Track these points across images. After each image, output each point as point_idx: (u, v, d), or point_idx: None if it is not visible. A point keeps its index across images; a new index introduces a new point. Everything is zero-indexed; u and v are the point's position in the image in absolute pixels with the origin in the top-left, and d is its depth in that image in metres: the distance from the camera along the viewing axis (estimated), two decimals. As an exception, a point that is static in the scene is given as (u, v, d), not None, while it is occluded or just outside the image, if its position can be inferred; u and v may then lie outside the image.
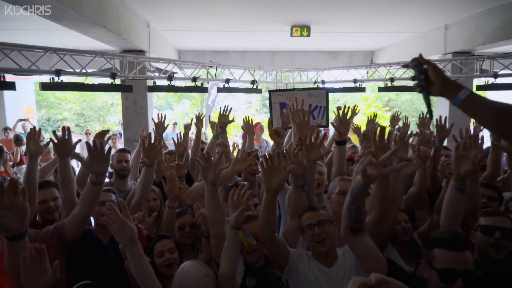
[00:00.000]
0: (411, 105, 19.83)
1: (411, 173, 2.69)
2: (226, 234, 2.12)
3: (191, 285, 1.65)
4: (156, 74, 6.37)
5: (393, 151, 1.67)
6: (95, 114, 20.10)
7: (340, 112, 2.93)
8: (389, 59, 8.86)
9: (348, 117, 2.91)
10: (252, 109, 21.10)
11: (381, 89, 7.24)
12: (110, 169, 3.05)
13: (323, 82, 7.73)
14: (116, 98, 18.70)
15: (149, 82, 6.48)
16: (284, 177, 1.92)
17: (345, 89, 7.78)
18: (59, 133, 2.69)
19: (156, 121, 3.98)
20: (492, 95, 12.96)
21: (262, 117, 17.66)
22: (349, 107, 3.05)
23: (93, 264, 2.27)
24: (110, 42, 6.22)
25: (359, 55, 10.88)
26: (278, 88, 8.38)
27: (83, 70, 5.13)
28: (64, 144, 2.51)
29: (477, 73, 6.34)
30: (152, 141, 2.77)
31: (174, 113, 19.97)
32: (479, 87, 6.27)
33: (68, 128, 2.70)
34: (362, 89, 7.53)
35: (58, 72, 4.83)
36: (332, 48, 10.66)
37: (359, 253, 1.80)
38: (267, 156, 1.93)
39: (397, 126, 5.06)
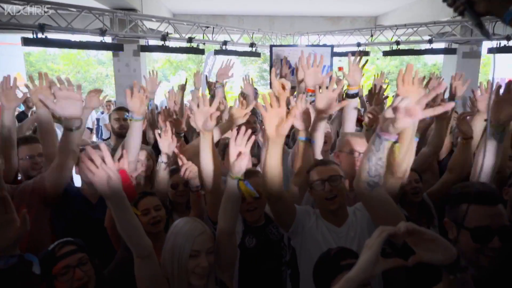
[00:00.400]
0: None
1: (426, 127, 2.47)
2: (223, 190, 1.91)
3: (186, 244, 1.41)
4: (149, 33, 5.99)
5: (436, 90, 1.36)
6: (89, 86, 19.63)
7: (352, 60, 2.64)
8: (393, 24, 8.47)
9: (360, 63, 2.61)
10: (250, 81, 20.65)
11: (385, 53, 6.90)
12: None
13: (325, 46, 7.36)
14: (110, 69, 18.22)
15: (142, 43, 6.09)
16: (289, 121, 1.59)
17: (347, 54, 7.43)
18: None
19: (148, 78, 3.71)
20: (505, 59, 12.34)
21: (260, 90, 17.30)
22: (361, 54, 2.74)
23: (80, 224, 2.11)
24: (99, -1, 5.80)
25: (362, 21, 10.42)
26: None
27: (70, 26, 4.76)
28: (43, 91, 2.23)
29: (492, 34, 5.97)
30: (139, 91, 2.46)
31: (170, 85, 19.54)
32: (490, 50, 5.94)
33: (46, 74, 2.40)
34: (366, 53, 7.19)
35: (42, 27, 4.46)
36: (333, 13, 10.18)
37: (375, 209, 1.56)
38: (268, 95, 1.60)
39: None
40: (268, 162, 1.65)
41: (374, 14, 10.46)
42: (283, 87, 2.96)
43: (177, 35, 6.18)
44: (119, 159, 1.80)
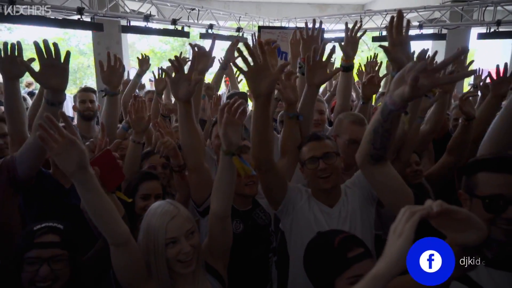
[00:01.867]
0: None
1: (430, 107, 2.34)
2: (207, 168, 1.75)
3: (159, 229, 1.23)
4: (131, 13, 5.68)
5: (451, 59, 1.21)
6: (70, 77, 18.63)
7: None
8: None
9: (357, 34, 2.45)
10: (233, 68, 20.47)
11: (375, 39, 6.78)
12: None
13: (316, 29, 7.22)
14: (92, 59, 17.56)
15: (123, 23, 5.77)
16: (275, 76, 1.41)
17: (337, 39, 7.30)
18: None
19: (140, 58, 3.57)
20: (494, 44, 12.55)
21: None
22: (359, 25, 2.59)
23: (53, 211, 1.88)
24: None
25: (349, 8, 10.31)
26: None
27: (44, 1, 4.43)
28: (12, 62, 1.95)
29: (481, 20, 5.92)
30: (112, 62, 2.22)
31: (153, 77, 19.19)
32: (480, 36, 5.89)
33: (19, 43, 2.12)
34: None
35: (12, 1, 4.12)
36: (321, 0, 10.04)
37: (378, 185, 1.38)
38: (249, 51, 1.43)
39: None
40: (255, 125, 1.48)
41: (362, 1, 10.37)
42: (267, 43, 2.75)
43: (160, 17, 5.90)
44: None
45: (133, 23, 5.69)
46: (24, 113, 2.08)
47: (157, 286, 1.25)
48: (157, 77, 3.42)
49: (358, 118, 2.19)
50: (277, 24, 8.16)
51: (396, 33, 1.65)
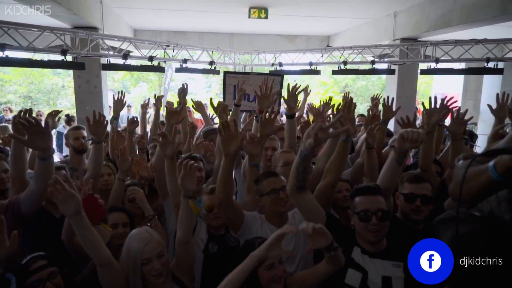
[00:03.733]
0: (366, 90, 20.70)
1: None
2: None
3: (137, 254, 1.72)
4: (111, 52, 6.19)
5: (339, 118, 1.91)
6: (44, 97, 18.78)
7: (291, 87, 3.16)
8: (343, 44, 9.21)
9: (296, 92, 3.14)
10: (212, 92, 20.96)
11: (334, 72, 7.55)
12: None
13: (280, 64, 7.90)
14: (67, 80, 17.64)
15: (103, 61, 6.27)
16: (240, 142, 2.08)
17: (302, 72, 8.03)
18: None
19: (116, 98, 3.94)
20: (436, 79, 13.87)
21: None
22: (299, 86, 3.30)
23: (47, 239, 2.29)
24: (60, 17, 5.92)
25: (316, 39, 11.16)
26: (235, 70, 8.44)
27: (31, 46, 4.88)
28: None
29: (422, 58, 6.81)
30: (97, 117, 2.74)
31: (130, 97, 19.31)
32: (423, 71, 6.75)
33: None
34: (317, 72, 7.81)
35: (3, 46, 4.57)
36: (290, 31, 10.84)
37: (303, 207, 2.01)
38: (224, 124, 2.08)
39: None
40: (221, 175, 2.08)
41: (327, 33, 11.25)
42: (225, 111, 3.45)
43: (138, 54, 6.43)
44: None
45: (113, 60, 6.19)
46: (26, 161, 2.56)
47: None
48: (115, 98, 3.83)
49: (285, 149, 2.85)
50: (247, 56, 8.84)
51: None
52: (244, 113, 4.81)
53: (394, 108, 3.49)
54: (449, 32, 6.86)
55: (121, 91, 4.01)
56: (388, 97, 3.68)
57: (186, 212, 1.88)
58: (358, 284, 1.82)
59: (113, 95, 4.04)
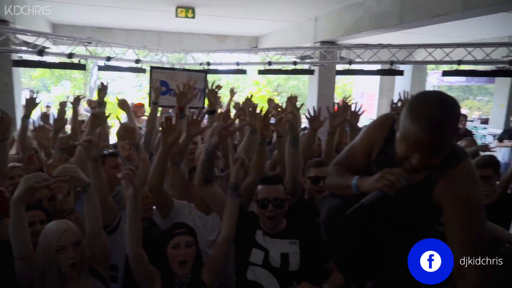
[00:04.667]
0: (297, 90, 21.67)
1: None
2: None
3: (52, 240, 1.75)
4: (24, 48, 5.78)
5: (236, 117, 2.18)
6: None
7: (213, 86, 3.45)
8: (271, 45, 9.62)
9: (216, 88, 3.43)
10: (143, 92, 20.29)
11: (260, 72, 7.89)
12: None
13: (208, 64, 8.03)
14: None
15: (15, 57, 5.84)
16: (178, 136, 2.32)
17: (228, 71, 8.25)
18: None
19: (28, 97, 3.78)
20: (356, 81, 15.07)
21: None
22: (218, 85, 3.57)
23: None
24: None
25: (245, 40, 11.47)
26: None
27: None
28: None
29: (338, 60, 7.43)
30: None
31: (51, 96, 17.95)
32: (338, 72, 7.38)
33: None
34: (243, 71, 8.11)
35: None
36: (219, 32, 10.99)
37: (211, 199, 2.21)
38: (165, 118, 2.30)
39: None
40: (157, 162, 2.26)
41: (256, 35, 11.62)
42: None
43: (56, 50, 6.09)
44: None
45: (26, 56, 5.79)
46: None
47: (49, 286, 1.76)
48: (27, 97, 3.73)
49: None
50: (176, 55, 8.81)
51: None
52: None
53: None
54: (362, 37, 7.57)
55: (33, 91, 3.89)
56: (313, 107, 3.39)
57: (90, 204, 1.89)
58: (261, 261, 2.05)
59: (24, 95, 3.89)
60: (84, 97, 4.51)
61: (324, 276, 2.06)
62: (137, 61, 7.23)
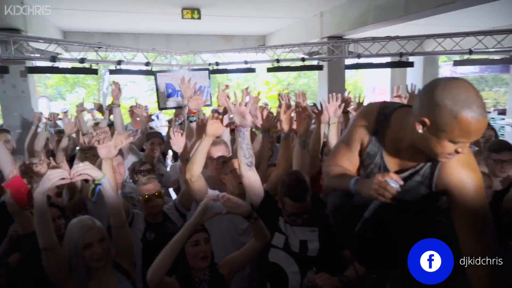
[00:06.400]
0: (308, 88, 21.62)
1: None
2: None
3: (79, 238, 1.79)
4: (37, 55, 5.96)
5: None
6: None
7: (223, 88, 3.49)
8: (278, 43, 9.63)
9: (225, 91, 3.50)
10: (155, 96, 20.54)
11: (269, 69, 7.92)
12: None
13: (217, 64, 8.09)
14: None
15: (29, 64, 6.02)
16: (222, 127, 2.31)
17: (237, 70, 8.31)
18: None
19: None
20: (367, 75, 14.91)
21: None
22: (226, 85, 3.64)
23: None
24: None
25: (252, 39, 11.51)
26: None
27: None
28: None
29: (346, 55, 7.39)
30: None
31: (66, 103, 18.38)
32: (347, 66, 7.34)
33: None
34: (252, 70, 8.15)
35: None
36: (226, 32, 11.06)
37: (251, 182, 2.22)
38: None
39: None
40: (199, 151, 2.24)
41: (263, 33, 11.66)
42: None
43: (67, 55, 6.26)
44: None
45: (40, 62, 5.96)
46: None
47: (76, 278, 1.80)
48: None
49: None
50: (185, 57, 8.90)
51: None
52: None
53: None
54: (368, 30, 7.52)
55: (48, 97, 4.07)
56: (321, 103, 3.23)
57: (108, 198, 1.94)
58: (282, 245, 2.12)
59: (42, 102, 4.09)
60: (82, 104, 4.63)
61: (345, 264, 2.06)
62: (147, 64, 7.34)
